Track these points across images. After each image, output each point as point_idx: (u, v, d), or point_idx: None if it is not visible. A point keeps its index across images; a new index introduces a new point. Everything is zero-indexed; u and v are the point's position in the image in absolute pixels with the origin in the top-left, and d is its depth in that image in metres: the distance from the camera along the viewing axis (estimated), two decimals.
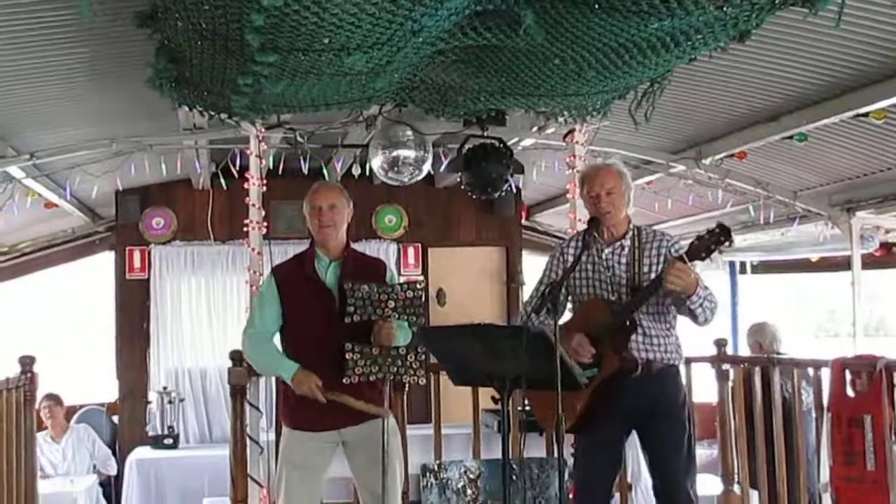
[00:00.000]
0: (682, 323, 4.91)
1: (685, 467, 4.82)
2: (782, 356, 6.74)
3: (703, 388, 6.54)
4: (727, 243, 4.58)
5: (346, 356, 4.75)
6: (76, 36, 4.86)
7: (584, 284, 4.89)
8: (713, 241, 4.53)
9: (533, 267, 10.31)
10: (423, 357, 4.83)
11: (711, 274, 4.92)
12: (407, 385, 5.55)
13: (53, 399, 8.90)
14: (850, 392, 5.03)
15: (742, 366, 6.47)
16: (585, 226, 4.95)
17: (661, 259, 4.76)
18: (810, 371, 5.77)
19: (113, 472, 8.93)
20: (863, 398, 4.91)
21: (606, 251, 4.86)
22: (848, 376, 5.06)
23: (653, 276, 4.70)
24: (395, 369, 4.82)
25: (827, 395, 5.23)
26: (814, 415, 5.77)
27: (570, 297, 4.95)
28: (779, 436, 6.01)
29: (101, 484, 8.86)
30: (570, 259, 4.87)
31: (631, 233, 4.88)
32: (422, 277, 9.68)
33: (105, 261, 10.17)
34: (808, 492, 5.90)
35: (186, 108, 5.56)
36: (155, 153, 7.51)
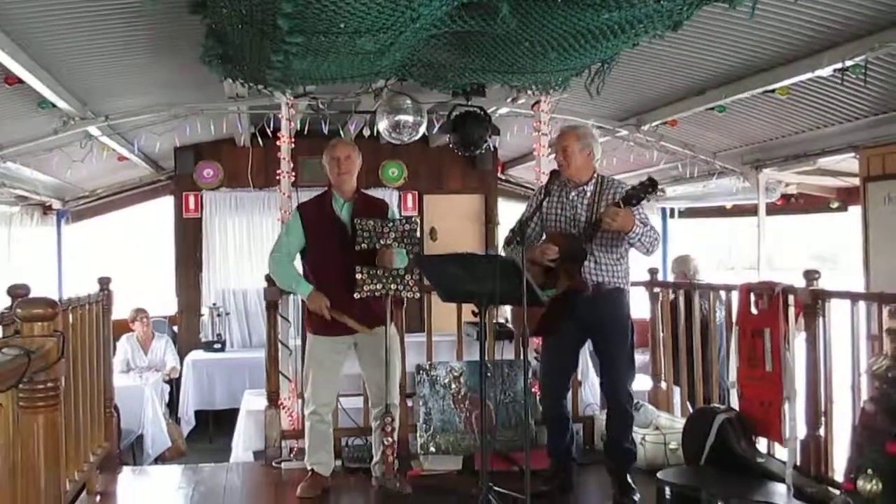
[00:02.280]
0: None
1: (627, 370, 4.87)
2: (701, 282, 6.79)
3: (639, 307, 6.57)
4: (655, 192, 4.62)
5: (357, 276, 4.81)
6: (142, 20, 4.81)
7: (553, 220, 4.90)
8: (643, 190, 4.55)
9: (507, 211, 10.37)
10: (418, 277, 4.91)
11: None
12: (405, 301, 5.57)
13: (144, 312, 8.95)
14: (753, 310, 5.06)
15: (670, 290, 6.51)
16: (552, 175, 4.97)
17: None
18: (722, 294, 5.80)
19: (175, 375, 8.98)
20: (764, 315, 4.94)
21: (572, 194, 4.86)
22: (752, 298, 5.08)
23: None
24: (395, 286, 4.88)
25: (735, 313, 5.26)
26: (724, 328, 5.83)
27: (543, 230, 4.96)
28: (697, 345, 6.07)
29: (166, 382, 8.92)
30: (541, 200, 4.88)
31: (594, 180, 4.88)
32: (416, 215, 9.72)
33: (166, 203, 10.14)
34: (720, 388, 5.96)
35: (230, 81, 5.51)
36: (205, 116, 7.45)
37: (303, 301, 5.15)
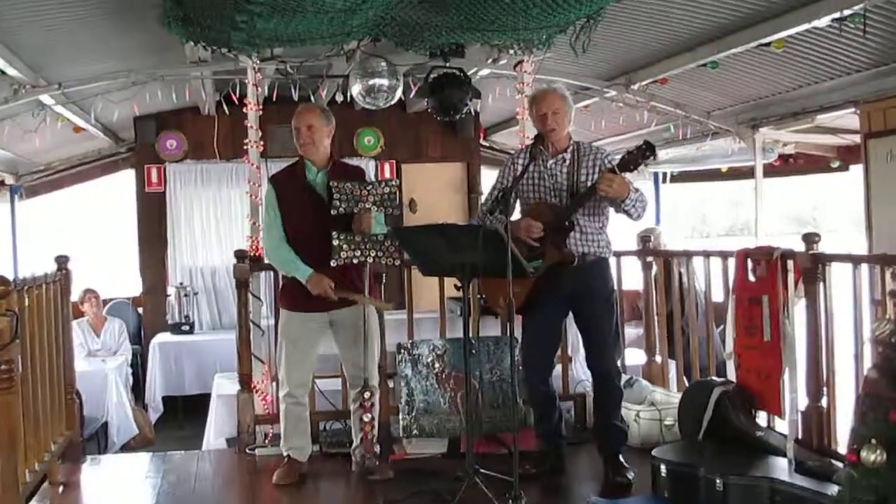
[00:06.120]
0: (613, 222, 4.96)
1: (612, 342, 4.89)
2: (696, 249, 6.81)
3: (631, 277, 6.60)
4: (652, 157, 4.62)
5: (334, 243, 4.79)
6: None
7: (531, 190, 4.88)
8: (640, 155, 4.55)
9: (490, 180, 10.28)
10: (398, 243, 4.88)
11: (638, 183, 4.96)
12: (384, 276, 5.57)
13: (93, 292, 8.92)
14: (751, 277, 5.09)
15: (664, 259, 6.53)
16: (532, 141, 4.95)
17: (597, 169, 4.75)
18: (707, 261, 5.81)
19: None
20: (762, 282, 4.96)
21: (550, 162, 4.85)
22: (749, 264, 5.11)
23: (589, 183, 4.70)
24: (375, 253, 4.87)
25: (732, 280, 5.28)
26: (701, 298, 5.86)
27: (518, 201, 4.95)
28: (691, 315, 6.11)
29: (130, 364, 8.91)
30: (520, 169, 4.85)
31: (571, 147, 4.86)
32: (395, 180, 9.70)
33: (127, 177, 10.05)
34: (716, 359, 6.01)
35: (192, 44, 5.47)
36: (166, 83, 7.41)
37: (275, 277, 5.14)
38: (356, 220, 4.85)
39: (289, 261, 4.98)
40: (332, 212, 4.82)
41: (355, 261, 4.85)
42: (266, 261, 5.50)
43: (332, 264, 4.81)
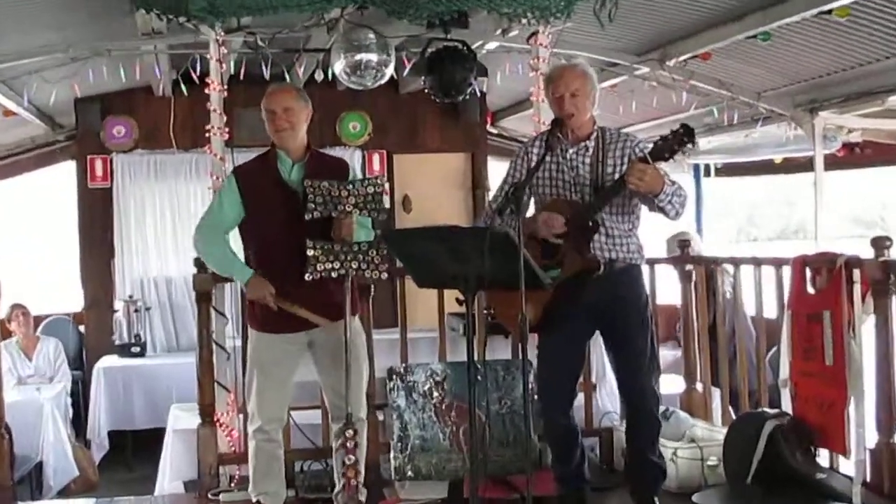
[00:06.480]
0: (645, 223, 4.94)
1: (648, 363, 4.87)
2: (744, 256, 6.79)
3: (664, 289, 6.58)
4: (690, 144, 4.57)
5: (308, 253, 4.77)
6: None
7: (547, 185, 4.87)
8: (676, 141, 4.51)
9: (499, 173, 10.28)
10: (385, 252, 4.87)
11: (675, 177, 4.92)
12: (372, 288, 5.56)
13: (21, 308, 8.90)
14: (810, 289, 5.08)
15: (706, 267, 6.51)
16: (549, 127, 4.94)
17: (625, 160, 4.73)
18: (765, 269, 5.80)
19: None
20: (822, 295, 4.95)
21: (570, 151, 4.83)
22: (808, 274, 5.10)
23: (616, 176, 4.68)
24: (357, 265, 4.85)
25: (787, 293, 5.27)
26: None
27: (532, 198, 4.94)
28: (740, 335, 6.10)
29: (70, 393, 8.89)
30: (534, 159, 4.84)
31: (595, 133, 4.85)
32: (381, 174, 9.71)
33: (66, 170, 10.08)
34: (769, 387, 5.98)
35: (143, 12, 5.47)
36: (113, 59, 7.40)
37: (243, 289, 5.11)
38: (335, 227, 4.84)
39: (225, 258, 4.98)
40: (307, 216, 4.79)
41: (333, 274, 4.82)
42: (195, 254, 5.41)
43: (306, 277, 4.79)
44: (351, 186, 4.88)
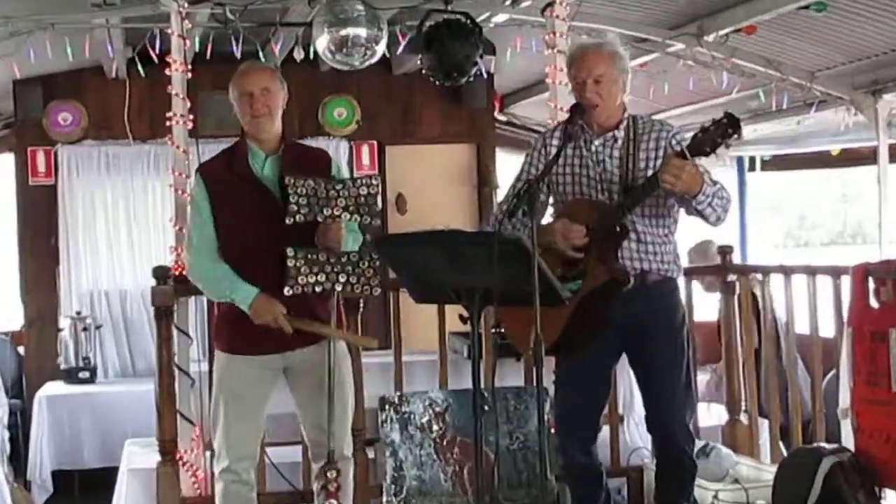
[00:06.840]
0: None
1: (683, 396, 4.88)
2: (796, 264, 6.81)
3: (700, 304, 6.59)
4: (735, 136, 4.56)
5: (288, 263, 4.74)
6: None
7: (568, 182, 4.88)
8: (719, 133, 4.48)
9: (509, 167, 10.31)
10: (378, 264, 4.85)
11: (716, 172, 4.91)
12: (361, 303, 5.56)
13: None
14: (874, 303, 5.09)
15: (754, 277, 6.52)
16: (569, 114, 4.93)
17: (660, 153, 4.73)
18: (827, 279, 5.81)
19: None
20: (888, 309, 4.97)
21: (596, 143, 4.84)
22: (871, 285, 5.11)
23: (650, 172, 4.68)
24: (346, 277, 4.83)
25: (847, 308, 5.28)
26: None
27: (551, 198, 4.94)
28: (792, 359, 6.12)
29: (7, 426, 8.89)
30: (553, 152, 4.83)
31: (625, 122, 4.85)
32: (374, 171, 9.73)
33: (3, 164, 10.08)
34: (826, 418, 6.01)
35: None
36: (58, 34, 7.38)
37: (208, 303, 5.11)
38: (321, 232, 4.81)
39: (223, 279, 4.91)
40: (287, 219, 4.75)
41: (318, 288, 4.80)
42: (191, 280, 5.42)
43: (286, 292, 4.77)
44: (340, 186, 4.85)
